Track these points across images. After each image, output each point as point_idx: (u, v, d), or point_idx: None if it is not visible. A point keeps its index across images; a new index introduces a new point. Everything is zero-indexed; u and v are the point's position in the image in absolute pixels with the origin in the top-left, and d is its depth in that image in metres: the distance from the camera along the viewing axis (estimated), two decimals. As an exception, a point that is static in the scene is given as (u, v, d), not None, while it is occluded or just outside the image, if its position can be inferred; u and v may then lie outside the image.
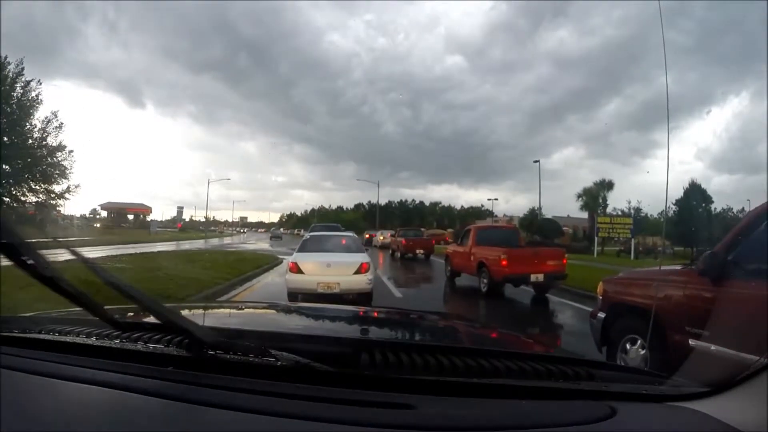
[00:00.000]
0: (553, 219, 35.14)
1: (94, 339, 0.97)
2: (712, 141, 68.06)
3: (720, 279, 2.52)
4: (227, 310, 1.89)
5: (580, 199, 35.47)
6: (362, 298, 6.60)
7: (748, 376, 0.82)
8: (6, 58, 20.99)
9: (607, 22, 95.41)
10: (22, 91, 22.40)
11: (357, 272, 6.55)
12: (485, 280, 8.57)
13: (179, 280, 7.85)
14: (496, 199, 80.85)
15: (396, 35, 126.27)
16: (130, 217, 64.89)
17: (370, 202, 72.46)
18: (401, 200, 79.41)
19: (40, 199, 23.88)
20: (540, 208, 33.85)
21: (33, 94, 22.30)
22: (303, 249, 7.32)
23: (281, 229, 58.17)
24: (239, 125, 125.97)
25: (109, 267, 9.25)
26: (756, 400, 0.77)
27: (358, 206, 77.19)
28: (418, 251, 18.53)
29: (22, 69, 22.01)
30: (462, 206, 74.41)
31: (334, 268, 6.56)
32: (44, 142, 22.77)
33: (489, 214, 56.16)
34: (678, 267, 3.41)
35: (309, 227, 21.89)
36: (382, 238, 26.14)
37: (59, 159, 23.19)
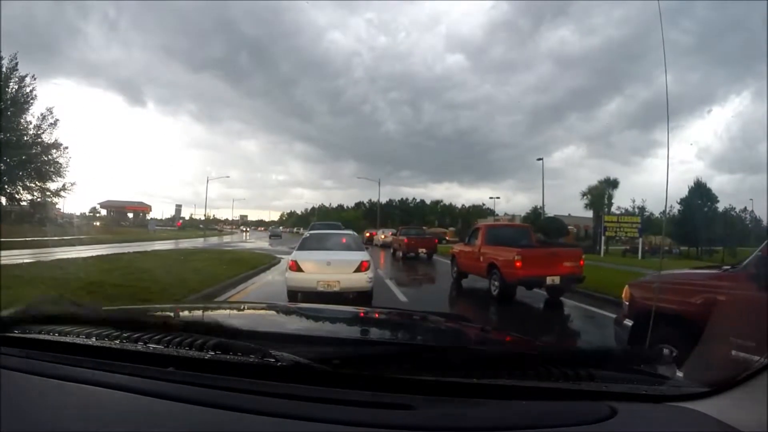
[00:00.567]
0: (558, 218, 34.52)
1: (94, 339, 0.97)
2: (712, 141, 68.02)
3: None
4: (227, 311, 1.92)
5: (585, 197, 34.96)
6: (362, 296, 6.59)
7: (748, 376, 0.82)
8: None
9: (607, 22, 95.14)
10: (16, 86, 21.95)
11: (357, 270, 6.54)
12: (496, 283, 7.98)
13: (164, 282, 7.52)
14: (498, 198, 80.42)
15: (397, 34, 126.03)
16: (130, 215, 64.67)
17: (370, 200, 72.16)
18: (402, 199, 79.15)
19: (35, 198, 23.45)
20: (543, 207, 33.35)
21: (27, 89, 21.86)
22: (303, 247, 7.28)
23: (281, 228, 57.68)
24: (240, 123, 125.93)
25: (95, 266, 8.81)
26: (756, 400, 0.77)
27: (359, 205, 76.88)
28: (420, 250, 18.06)
29: (16, 64, 21.58)
30: (463, 205, 74.08)
31: (334, 267, 6.53)
32: (39, 139, 22.35)
33: (490, 212, 55.72)
34: (714, 270, 3.21)
35: (309, 226, 21.48)
36: (383, 236, 25.81)
37: (54, 156, 22.79)
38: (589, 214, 36.42)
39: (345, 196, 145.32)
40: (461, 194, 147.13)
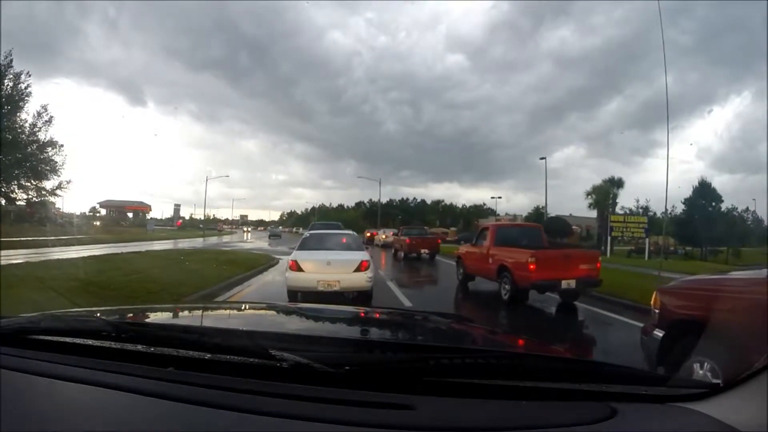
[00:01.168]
0: (562, 217, 33.99)
1: (94, 339, 0.97)
2: (713, 140, 67.61)
3: None
4: (227, 311, 1.91)
5: (589, 197, 34.46)
6: (362, 295, 6.64)
7: (748, 376, 0.82)
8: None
9: (608, 22, 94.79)
10: (11, 84, 21.60)
11: (357, 270, 6.59)
12: (507, 286, 7.47)
13: (153, 285, 7.20)
14: (500, 197, 79.83)
15: (397, 34, 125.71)
16: (130, 215, 64.47)
17: (371, 200, 71.85)
18: (402, 198, 78.76)
19: (31, 197, 23.11)
20: (546, 207, 32.85)
21: (23, 86, 21.50)
22: (303, 247, 7.32)
23: (280, 228, 57.23)
24: (240, 123, 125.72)
25: (82, 267, 8.40)
26: (756, 400, 0.77)
27: (359, 204, 76.60)
28: (422, 251, 17.62)
29: (11, 61, 21.23)
30: (464, 205, 73.67)
31: (333, 266, 6.58)
32: (34, 137, 21.99)
33: (491, 212, 55.35)
34: (753, 273, 3.00)
35: (309, 226, 21.15)
36: (384, 236, 25.53)
37: (50, 154, 22.44)
38: (590, 213, 36.06)
39: (345, 195, 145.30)
40: (461, 194, 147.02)
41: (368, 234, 29.81)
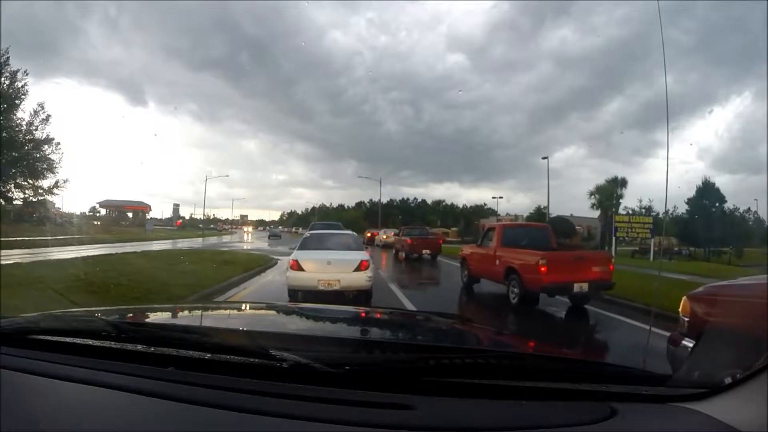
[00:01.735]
0: (566, 217, 33.61)
1: (94, 339, 0.97)
2: (713, 141, 67.41)
3: None
4: (227, 311, 1.90)
5: (593, 197, 34.10)
6: (362, 295, 6.74)
7: (748, 376, 0.82)
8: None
9: (609, 21, 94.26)
10: (8, 82, 21.37)
11: (357, 270, 6.68)
12: (516, 290, 7.17)
13: (144, 287, 6.91)
14: (501, 197, 79.11)
15: (398, 33, 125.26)
16: (129, 215, 64.38)
17: (371, 200, 71.61)
18: (403, 198, 78.53)
19: (27, 196, 22.88)
20: (548, 207, 32.47)
21: (19, 84, 21.28)
22: (303, 247, 7.41)
23: (280, 228, 56.90)
24: (240, 123, 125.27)
25: (72, 268, 8.12)
26: (756, 400, 0.77)
27: (359, 204, 76.33)
28: (424, 251, 17.36)
29: (8, 59, 20.99)
30: (464, 205, 73.36)
31: (334, 266, 6.67)
32: (31, 136, 21.77)
33: (492, 212, 55.08)
34: None
35: (309, 226, 20.98)
36: (385, 237, 25.34)
37: (46, 153, 22.21)
38: (592, 214, 35.73)
39: (345, 195, 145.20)
40: (461, 194, 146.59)
41: (369, 234, 29.59)
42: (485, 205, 64.69)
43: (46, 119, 21.81)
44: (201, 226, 52.05)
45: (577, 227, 34.75)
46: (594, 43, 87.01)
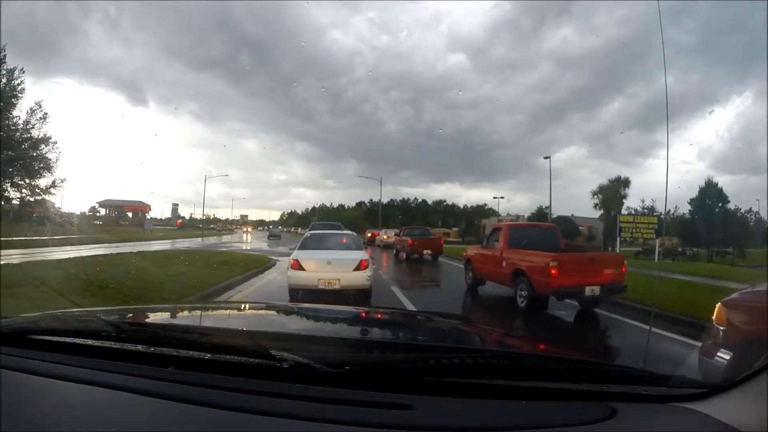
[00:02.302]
0: (569, 218, 33.29)
1: (94, 340, 0.97)
2: (714, 141, 67.16)
3: None
4: (227, 311, 1.90)
5: (595, 197, 33.79)
6: (362, 294, 6.83)
7: (747, 376, 0.81)
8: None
9: (610, 21, 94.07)
10: (5, 80, 21.13)
11: (356, 269, 6.76)
12: (524, 293, 6.85)
13: (134, 290, 6.57)
14: (503, 197, 78.81)
15: (398, 33, 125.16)
16: (129, 215, 64.28)
17: (371, 200, 71.38)
18: (403, 198, 78.30)
19: (24, 195, 22.66)
20: (550, 207, 32.16)
21: (16, 82, 21.05)
22: (304, 247, 7.49)
23: (280, 228, 56.57)
24: (241, 123, 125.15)
25: (61, 269, 7.83)
26: (756, 400, 0.77)
27: (360, 204, 76.13)
28: (425, 252, 17.09)
29: (4, 56, 20.75)
30: (465, 205, 73.11)
31: (334, 265, 6.75)
32: (27, 135, 21.55)
33: (493, 213, 54.85)
34: None
35: (309, 226, 20.82)
36: (386, 237, 25.13)
37: (43, 152, 21.97)
38: (593, 214, 35.47)
39: (346, 195, 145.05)
40: (462, 194, 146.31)
41: (369, 234, 29.35)
42: (486, 205, 64.60)
43: (43, 118, 21.59)
44: (201, 226, 51.76)
45: (580, 227, 34.42)
46: (595, 43, 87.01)
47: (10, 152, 20.35)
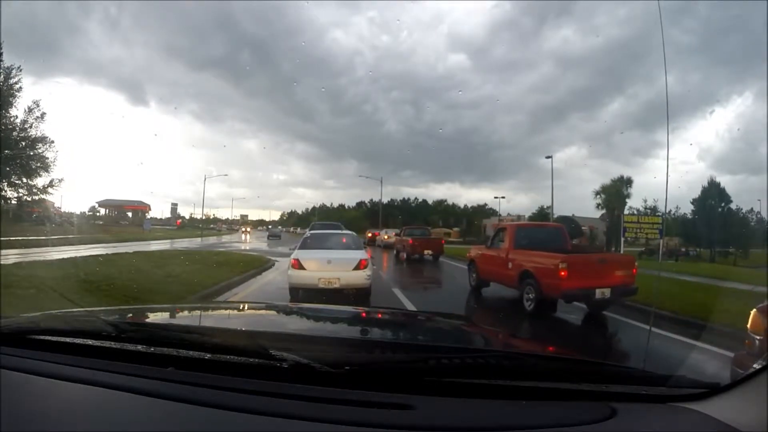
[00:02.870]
0: (572, 217, 32.95)
1: (94, 340, 0.97)
2: (714, 141, 66.92)
3: None
4: (227, 311, 1.91)
5: (598, 196, 33.54)
6: (361, 293, 6.92)
7: (748, 376, 0.81)
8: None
9: (611, 21, 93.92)
10: (2, 78, 20.97)
11: (356, 268, 6.85)
12: (531, 295, 6.58)
13: (118, 294, 6.23)
14: (503, 197, 78.46)
15: (399, 33, 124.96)
16: (129, 214, 64.27)
17: (372, 200, 71.21)
18: (404, 198, 78.14)
19: (21, 195, 22.53)
20: (552, 206, 31.89)
21: (13, 81, 20.87)
22: (304, 246, 7.59)
23: (279, 228, 56.27)
24: (241, 123, 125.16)
25: (51, 270, 7.64)
26: (756, 400, 0.77)
27: (360, 204, 75.99)
28: (426, 252, 16.90)
29: (1, 54, 20.58)
30: (465, 205, 72.88)
31: (334, 265, 6.85)
32: (24, 134, 21.39)
33: (493, 212, 54.66)
34: None
35: (309, 226, 20.73)
36: (386, 237, 24.99)
37: (41, 151, 21.81)
38: (594, 214, 35.23)
39: (346, 195, 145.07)
40: (462, 195, 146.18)
41: (370, 234, 29.16)
42: (486, 205, 64.42)
43: (41, 117, 21.42)
44: (201, 226, 51.54)
45: (583, 228, 34.08)
46: (595, 43, 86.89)
47: (7, 151, 20.18)
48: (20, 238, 17.25)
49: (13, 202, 23.35)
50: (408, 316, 1.88)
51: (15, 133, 20.97)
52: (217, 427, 0.71)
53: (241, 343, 0.88)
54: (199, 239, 32.40)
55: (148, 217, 55.92)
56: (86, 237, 22.24)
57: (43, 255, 11.41)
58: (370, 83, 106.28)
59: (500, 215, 48.13)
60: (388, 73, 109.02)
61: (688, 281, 10.12)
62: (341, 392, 0.78)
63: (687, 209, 34.02)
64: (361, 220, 52.55)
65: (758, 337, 2.51)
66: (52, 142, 21.75)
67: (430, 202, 78.06)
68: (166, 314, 1.59)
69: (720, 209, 32.74)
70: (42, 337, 0.99)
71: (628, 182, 33.48)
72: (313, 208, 76.34)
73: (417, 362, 0.86)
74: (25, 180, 21.48)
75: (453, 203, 76.32)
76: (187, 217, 69.71)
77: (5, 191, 21.47)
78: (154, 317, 1.50)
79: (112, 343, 0.94)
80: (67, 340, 0.97)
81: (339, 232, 9.57)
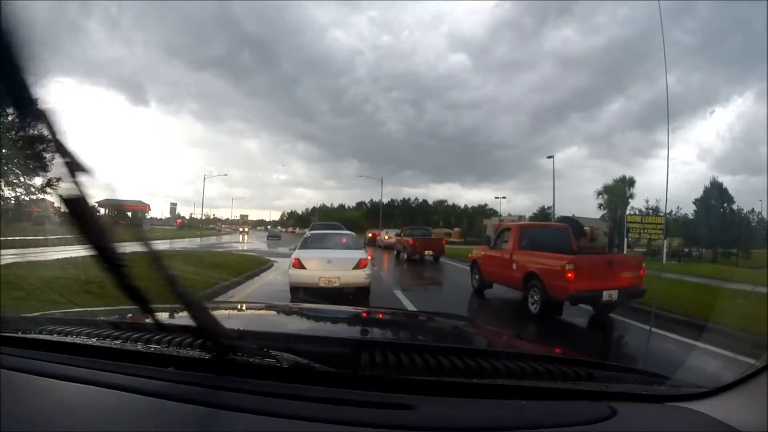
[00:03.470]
0: (575, 218, 32.77)
1: (94, 339, 0.97)
2: (715, 142, 66.75)
3: None
4: (227, 311, 1.87)
5: (600, 196, 33.36)
6: (361, 292, 7.06)
7: (748, 376, 0.81)
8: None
9: (612, 21, 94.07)
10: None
11: (356, 267, 6.98)
12: (536, 297, 6.46)
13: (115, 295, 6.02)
14: (504, 197, 78.29)
15: (400, 33, 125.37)
16: (129, 214, 64.05)
17: (372, 200, 71.17)
18: (404, 198, 78.03)
19: (18, 194, 22.48)
20: (553, 207, 31.72)
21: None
22: (305, 246, 7.72)
23: (279, 228, 56.09)
24: (242, 123, 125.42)
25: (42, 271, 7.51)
26: (756, 400, 0.77)
27: (360, 204, 75.87)
28: (426, 252, 16.82)
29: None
30: (466, 205, 72.69)
31: (334, 264, 6.97)
32: (22, 132, 21.29)
33: (494, 213, 54.48)
34: None
35: (309, 226, 20.71)
36: (387, 237, 24.97)
37: (38, 150, 21.69)
38: (595, 214, 35.06)
39: (346, 195, 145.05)
40: (462, 195, 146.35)
41: (370, 234, 29.06)
42: (487, 205, 64.28)
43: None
44: (200, 226, 51.37)
45: (585, 228, 33.88)
46: (596, 43, 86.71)
47: (5, 150, 20.09)
48: (20, 238, 17.17)
49: (11, 201, 23.28)
50: (408, 317, 1.86)
51: (12, 132, 20.90)
52: (217, 427, 0.71)
53: (241, 343, 0.88)
54: (198, 239, 32.29)
55: (148, 217, 55.78)
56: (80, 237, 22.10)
57: (47, 255, 11.29)
58: (371, 83, 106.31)
59: (501, 215, 47.99)
60: (388, 72, 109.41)
61: (691, 282, 10.05)
62: (341, 392, 0.78)
63: (688, 209, 34.01)
64: (361, 220, 52.52)
65: None
66: (51, 141, 21.71)
67: (430, 202, 78.14)
68: (166, 314, 1.56)
69: (722, 209, 32.62)
70: (42, 337, 1.00)
71: (631, 182, 33.39)
72: (314, 208, 76.38)
73: (417, 362, 0.86)
74: (23, 179, 21.42)
75: (453, 203, 76.39)
76: (187, 217, 69.70)
77: (3, 191, 21.41)
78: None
79: (112, 343, 0.94)
80: (67, 340, 0.97)
81: (339, 232, 9.68)
